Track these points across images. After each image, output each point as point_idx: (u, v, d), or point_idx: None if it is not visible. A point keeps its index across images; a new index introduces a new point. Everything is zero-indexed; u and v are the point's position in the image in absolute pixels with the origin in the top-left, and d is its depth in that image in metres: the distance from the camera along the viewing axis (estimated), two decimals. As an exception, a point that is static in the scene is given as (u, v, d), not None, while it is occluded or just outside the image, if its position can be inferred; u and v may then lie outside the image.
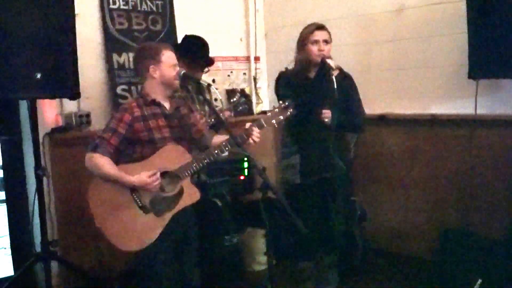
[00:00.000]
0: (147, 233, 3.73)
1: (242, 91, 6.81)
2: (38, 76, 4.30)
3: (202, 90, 5.25)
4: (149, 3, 5.84)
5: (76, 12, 4.63)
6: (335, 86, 4.22)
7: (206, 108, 4.96)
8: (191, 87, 4.80)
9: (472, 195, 5.17)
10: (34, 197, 4.69)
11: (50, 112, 5.15)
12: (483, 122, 5.03)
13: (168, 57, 3.88)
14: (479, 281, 4.41)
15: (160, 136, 3.81)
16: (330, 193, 4.52)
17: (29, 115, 4.65)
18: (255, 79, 6.97)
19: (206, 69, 5.13)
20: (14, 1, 4.19)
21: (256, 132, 3.80)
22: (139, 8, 5.77)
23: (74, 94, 4.63)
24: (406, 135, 5.75)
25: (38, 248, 4.82)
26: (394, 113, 5.80)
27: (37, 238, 4.87)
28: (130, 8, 5.70)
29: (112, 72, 5.51)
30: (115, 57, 5.54)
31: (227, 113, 5.02)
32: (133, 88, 5.60)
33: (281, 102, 3.90)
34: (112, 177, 3.68)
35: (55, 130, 5.12)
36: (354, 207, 5.30)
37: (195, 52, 4.98)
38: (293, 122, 4.47)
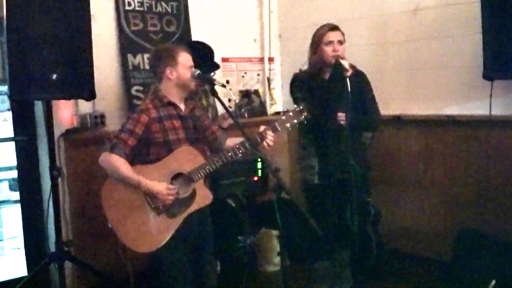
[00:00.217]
0: (159, 235, 3.74)
1: (255, 92, 6.82)
2: (54, 77, 4.33)
3: (206, 95, 5.28)
4: (164, 4, 5.86)
5: (91, 13, 4.64)
6: (349, 88, 4.21)
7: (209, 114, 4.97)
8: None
9: (487, 196, 5.14)
10: (49, 197, 4.71)
11: (65, 112, 5.17)
12: (498, 123, 5.00)
13: (185, 58, 3.89)
14: (493, 281, 4.39)
15: (175, 137, 3.82)
16: (346, 193, 4.51)
17: (44, 116, 4.68)
18: (269, 80, 6.96)
19: (212, 74, 5.13)
20: (30, 3, 4.22)
21: (270, 135, 3.80)
22: (154, 10, 5.79)
23: (89, 95, 4.66)
24: (421, 136, 5.73)
25: (52, 248, 4.84)
26: (410, 114, 5.77)
27: (51, 238, 4.90)
28: (145, 9, 5.71)
29: (127, 73, 5.53)
30: (130, 58, 5.55)
31: (227, 121, 4.99)
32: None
33: (295, 106, 3.89)
34: (130, 180, 3.71)
35: (70, 131, 5.14)
36: (368, 208, 5.29)
37: (200, 57, 4.98)
38: (309, 124, 4.47)
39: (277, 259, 5.53)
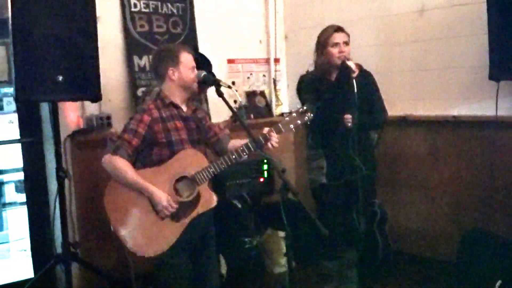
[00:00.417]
0: (163, 239, 3.72)
1: (261, 93, 6.82)
2: (60, 78, 4.34)
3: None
4: (169, 6, 5.86)
5: (97, 15, 4.66)
6: (356, 90, 4.21)
7: None
8: None
9: (493, 197, 5.13)
10: (55, 199, 4.72)
11: (72, 114, 5.18)
12: (504, 124, 4.98)
13: (187, 59, 3.87)
14: (499, 282, 4.37)
15: (177, 138, 3.80)
16: (353, 194, 4.51)
17: (50, 118, 4.69)
18: (274, 81, 6.96)
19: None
20: (35, 4, 4.23)
21: (274, 137, 3.78)
22: (160, 11, 5.79)
23: (96, 96, 4.67)
24: (427, 137, 5.71)
25: (58, 250, 4.85)
26: (416, 114, 5.76)
27: (58, 240, 4.90)
28: (151, 11, 5.72)
29: (133, 75, 5.53)
30: (136, 59, 5.55)
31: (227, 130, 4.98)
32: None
33: (298, 106, 3.89)
34: (133, 184, 3.69)
35: (76, 132, 5.14)
36: (374, 209, 5.29)
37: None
38: (317, 125, 4.47)
39: (283, 260, 5.52)
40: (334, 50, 4.45)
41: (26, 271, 5.35)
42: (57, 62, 4.33)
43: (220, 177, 4.85)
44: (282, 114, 6.82)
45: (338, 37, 4.48)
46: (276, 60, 7.01)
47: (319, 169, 4.65)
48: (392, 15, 5.87)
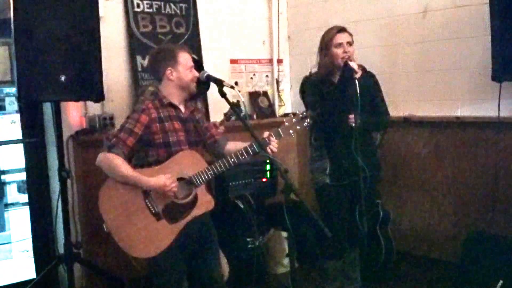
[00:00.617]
0: (159, 241, 3.68)
1: (264, 94, 6.82)
2: (63, 78, 4.33)
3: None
4: (173, 6, 5.86)
5: (100, 15, 4.66)
6: (358, 91, 4.20)
7: None
8: None
9: (497, 198, 5.12)
10: (58, 199, 4.72)
11: (74, 114, 5.17)
12: (507, 125, 4.98)
13: (185, 59, 3.83)
14: (501, 282, 4.37)
15: (175, 139, 3.75)
16: (356, 195, 4.50)
17: (53, 118, 4.68)
18: (277, 81, 6.96)
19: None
20: (37, 4, 4.22)
21: (274, 142, 3.76)
22: (163, 11, 5.80)
23: (98, 96, 4.66)
24: (430, 137, 5.71)
25: (61, 250, 4.84)
26: (419, 115, 5.76)
27: (60, 241, 4.90)
28: (154, 11, 5.72)
29: (136, 75, 5.53)
30: (139, 59, 5.55)
31: (221, 128, 4.96)
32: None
33: (299, 111, 3.88)
34: (129, 178, 3.64)
35: (79, 132, 5.14)
36: (377, 210, 5.29)
37: None
38: (320, 126, 4.47)
39: (286, 261, 5.51)
40: (338, 51, 4.44)
41: (28, 272, 5.35)
42: (60, 62, 4.31)
43: (223, 177, 4.85)
44: (285, 115, 6.81)
45: (342, 38, 4.47)
46: (279, 61, 7.01)
47: (322, 170, 4.64)
48: (396, 16, 5.86)
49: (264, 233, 5.55)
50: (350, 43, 4.49)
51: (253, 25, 6.77)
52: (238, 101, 4.82)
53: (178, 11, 5.91)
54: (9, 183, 6.82)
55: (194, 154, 3.81)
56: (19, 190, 6.74)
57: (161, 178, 3.62)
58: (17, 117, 5.36)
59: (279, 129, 3.80)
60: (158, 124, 3.72)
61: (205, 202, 3.80)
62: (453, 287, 5.08)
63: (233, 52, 6.52)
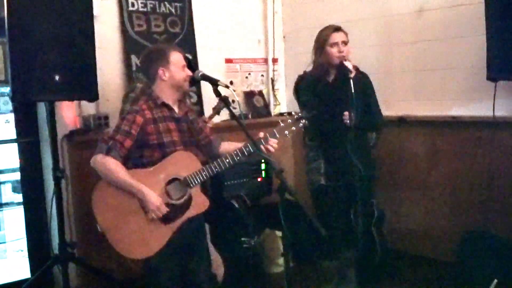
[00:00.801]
0: (153, 241, 3.66)
1: (259, 93, 6.81)
2: (57, 78, 4.33)
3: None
4: (168, 5, 5.85)
5: (94, 14, 4.65)
6: (353, 90, 4.20)
7: None
8: None
9: (492, 197, 5.13)
10: (52, 199, 4.71)
11: (69, 114, 5.16)
12: (502, 124, 4.98)
13: (177, 58, 3.81)
14: (495, 281, 4.37)
15: (169, 139, 3.74)
16: (351, 195, 4.49)
17: (47, 117, 4.66)
18: (273, 81, 6.96)
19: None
20: (33, 3, 4.22)
21: (272, 141, 3.75)
22: (157, 10, 5.79)
23: (93, 96, 4.66)
24: (426, 137, 5.72)
25: (55, 250, 4.83)
26: (414, 114, 5.76)
27: (55, 240, 4.88)
28: (149, 10, 5.71)
29: (131, 75, 5.51)
30: (133, 59, 5.54)
31: (209, 122, 4.94)
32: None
33: (293, 112, 3.87)
34: (125, 184, 3.62)
35: (73, 132, 5.13)
36: (372, 209, 5.29)
37: None
38: (315, 126, 4.46)
39: (281, 260, 5.51)
40: (333, 50, 4.45)
41: (23, 272, 5.34)
42: (54, 62, 4.31)
43: (218, 177, 4.84)
44: (280, 114, 6.81)
45: (337, 37, 4.47)
46: (275, 60, 7.00)
47: (317, 170, 4.64)
48: (391, 15, 5.87)
49: (259, 233, 5.54)
50: (345, 43, 4.49)
51: (248, 25, 6.77)
52: (233, 100, 4.83)
53: (173, 10, 5.90)
54: (3, 182, 6.78)
55: (188, 155, 3.79)
56: (14, 190, 6.71)
57: (155, 199, 3.62)
58: (11, 116, 5.33)
59: (275, 130, 3.79)
60: (152, 125, 3.70)
61: (200, 203, 3.78)
62: (448, 286, 5.08)
63: (228, 51, 6.52)
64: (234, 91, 4.17)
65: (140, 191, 3.61)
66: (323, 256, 4.78)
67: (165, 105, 3.79)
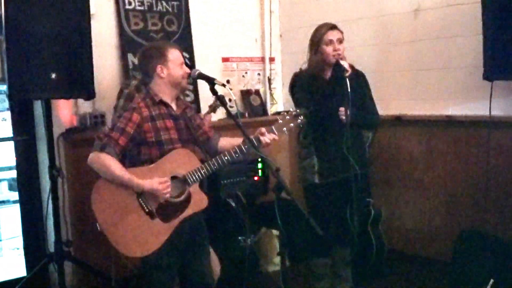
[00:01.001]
0: (152, 240, 3.65)
1: (256, 92, 6.82)
2: (53, 76, 4.32)
3: None
4: (164, 3, 5.84)
5: (91, 12, 4.64)
6: (349, 89, 4.20)
7: None
8: None
9: (488, 197, 5.12)
10: (48, 197, 4.70)
11: (65, 112, 5.16)
12: (498, 124, 4.99)
13: (175, 55, 3.79)
14: (491, 281, 4.37)
15: (167, 137, 3.72)
16: (346, 193, 4.49)
17: (43, 115, 4.66)
18: (269, 80, 6.96)
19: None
20: (30, 1, 4.22)
21: (268, 135, 3.73)
22: (154, 9, 5.78)
23: (89, 94, 4.65)
24: (422, 136, 5.72)
25: (51, 248, 4.83)
26: (410, 114, 5.77)
27: (51, 239, 4.88)
28: (146, 8, 5.70)
29: (128, 73, 5.51)
30: (130, 57, 5.53)
31: (208, 117, 4.94)
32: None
33: (292, 109, 3.86)
34: (122, 179, 3.59)
35: (69, 131, 5.13)
36: (368, 208, 5.29)
37: None
38: (310, 124, 4.45)
39: (277, 259, 5.52)
40: (329, 48, 4.43)
41: (19, 270, 5.34)
42: (51, 60, 4.31)
43: (215, 175, 4.84)
44: (277, 113, 6.81)
45: (332, 35, 4.46)
46: (271, 59, 7.01)
47: (310, 167, 4.62)
48: (388, 15, 5.87)
49: (255, 232, 5.55)
50: (340, 41, 4.48)
51: (245, 23, 6.77)
52: (229, 99, 4.83)
53: (170, 9, 5.89)
54: (-1, 180, 6.79)
55: (187, 152, 3.78)
56: (10, 188, 6.71)
57: (155, 182, 3.60)
58: (7, 114, 5.33)
59: (273, 127, 3.77)
60: (149, 123, 3.68)
61: (199, 201, 3.77)
62: (444, 286, 5.08)
63: (225, 50, 6.52)
64: (231, 89, 4.17)
65: (136, 184, 3.59)
66: (318, 255, 4.77)
67: (163, 102, 3.78)
